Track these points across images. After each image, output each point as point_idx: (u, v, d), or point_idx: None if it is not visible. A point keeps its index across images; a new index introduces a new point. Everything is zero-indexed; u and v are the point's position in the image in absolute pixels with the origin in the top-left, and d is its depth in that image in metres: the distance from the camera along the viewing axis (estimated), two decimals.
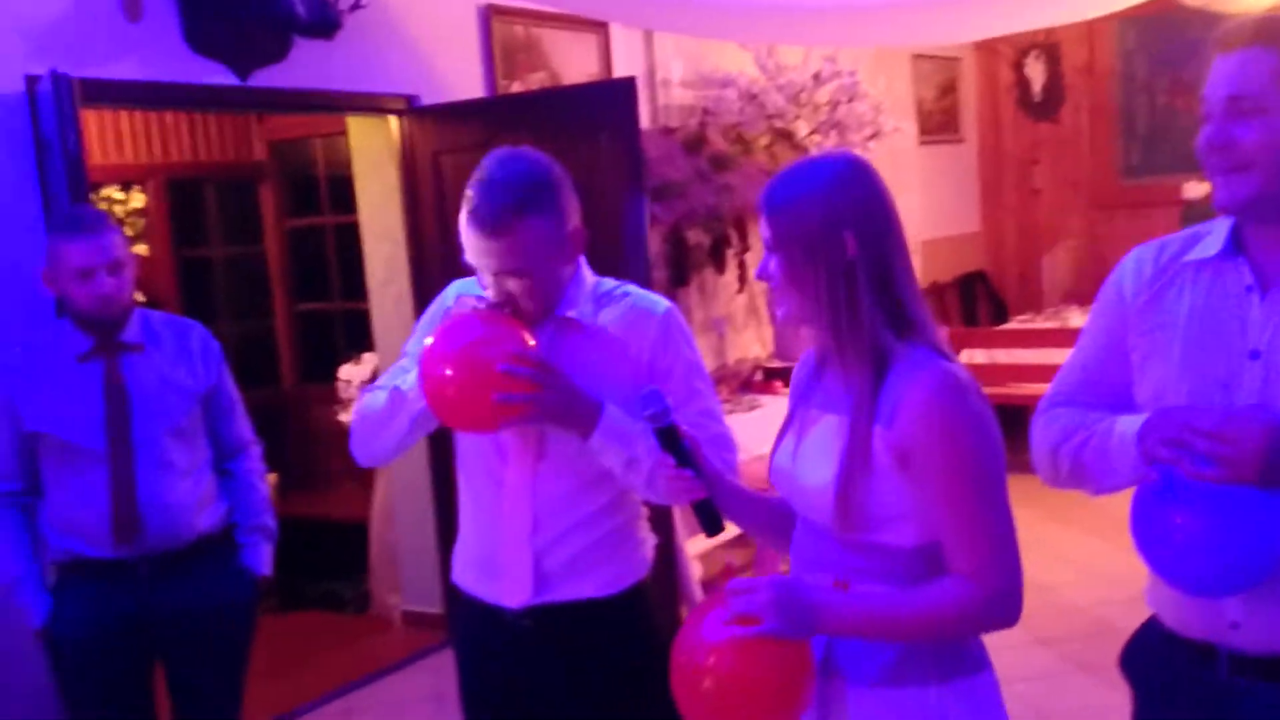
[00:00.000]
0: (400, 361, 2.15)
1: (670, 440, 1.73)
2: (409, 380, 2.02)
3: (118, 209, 6.01)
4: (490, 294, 1.97)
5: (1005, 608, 1.57)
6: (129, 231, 6.01)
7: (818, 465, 1.64)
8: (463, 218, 1.92)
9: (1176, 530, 1.51)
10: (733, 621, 1.58)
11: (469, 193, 1.91)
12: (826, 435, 1.65)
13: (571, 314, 2.01)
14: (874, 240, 1.61)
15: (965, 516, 1.56)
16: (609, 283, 2.09)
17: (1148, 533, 1.56)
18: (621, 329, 2.01)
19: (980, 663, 1.65)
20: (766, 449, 1.80)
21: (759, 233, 1.69)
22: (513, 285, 1.93)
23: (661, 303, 2.07)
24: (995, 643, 1.64)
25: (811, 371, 1.76)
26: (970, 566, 1.55)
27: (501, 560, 2.05)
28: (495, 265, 1.91)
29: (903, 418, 1.56)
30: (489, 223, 1.87)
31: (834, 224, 1.59)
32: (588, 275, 2.07)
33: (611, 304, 2.05)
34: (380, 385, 2.13)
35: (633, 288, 2.10)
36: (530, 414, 1.89)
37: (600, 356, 1.99)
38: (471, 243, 1.92)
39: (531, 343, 1.92)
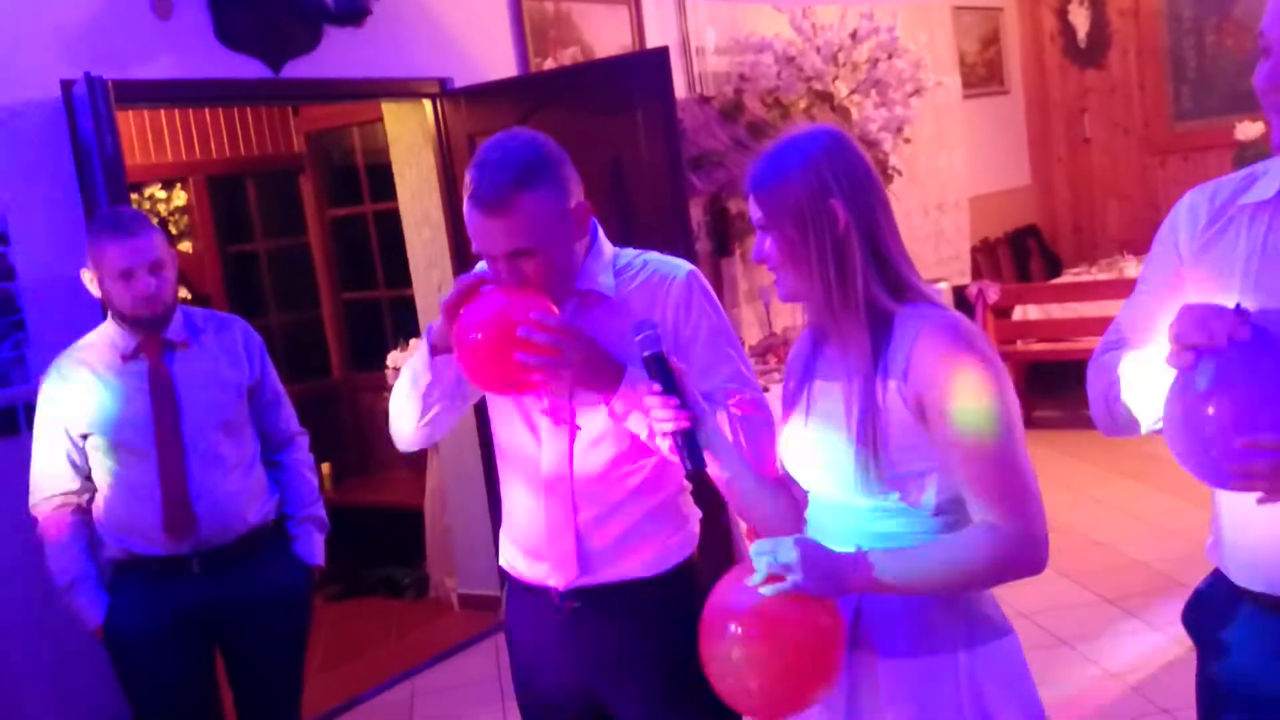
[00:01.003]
0: None
1: (658, 368, 1.73)
2: (415, 358, 2.03)
3: (161, 208, 6.07)
4: (506, 281, 1.93)
5: (1031, 552, 1.57)
6: (173, 230, 6.08)
7: (832, 432, 1.65)
8: (465, 206, 1.90)
9: (1209, 421, 1.45)
10: (759, 582, 1.57)
11: (467, 178, 1.89)
12: (834, 402, 1.66)
13: (592, 286, 1.99)
14: (862, 208, 1.63)
15: (984, 462, 1.56)
16: (629, 253, 2.06)
17: (1180, 421, 1.50)
18: (642, 297, 1.98)
19: (1003, 626, 1.67)
20: None
21: (750, 215, 1.69)
22: (527, 268, 1.89)
23: (682, 267, 2.03)
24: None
25: (810, 349, 1.77)
26: (993, 513, 1.56)
27: (546, 542, 2.04)
28: (503, 246, 1.87)
29: (915, 366, 1.58)
30: (490, 201, 1.85)
31: (822, 195, 1.62)
32: (606, 247, 2.04)
33: (631, 273, 2.02)
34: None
35: (653, 255, 2.07)
36: (552, 374, 1.87)
37: (623, 327, 1.97)
38: (476, 226, 1.89)
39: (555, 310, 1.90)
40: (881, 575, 1.57)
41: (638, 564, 2.02)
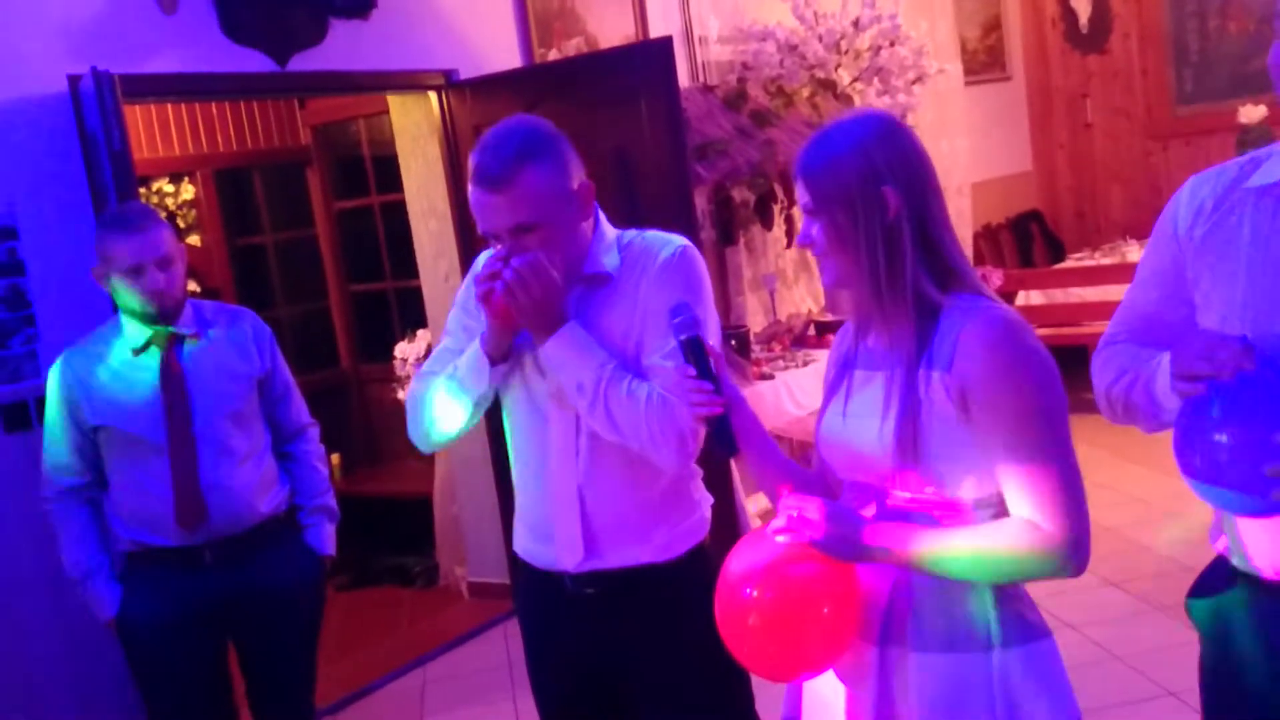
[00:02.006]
0: (444, 343, 2.15)
1: (694, 351, 1.73)
2: (461, 366, 2.02)
3: (168, 201, 6.09)
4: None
5: (1071, 556, 1.52)
6: (181, 223, 6.09)
7: (871, 421, 1.61)
8: (469, 189, 1.93)
9: (1222, 449, 1.46)
10: (780, 530, 1.58)
11: (470, 161, 1.92)
12: (875, 391, 1.63)
13: (598, 269, 2.00)
14: (914, 195, 1.59)
15: (1028, 458, 1.51)
16: (631, 233, 2.08)
17: (1192, 450, 1.50)
18: (631, 272, 2.00)
19: (1041, 629, 1.62)
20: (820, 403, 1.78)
21: (798, 199, 1.68)
22: (530, 244, 1.91)
23: (672, 242, 2.03)
24: (1064, 586, 1.61)
25: (852, 337, 1.74)
26: (1034, 511, 1.51)
27: (553, 520, 2.05)
28: (507, 221, 1.90)
29: (961, 359, 1.54)
30: (491, 175, 1.88)
31: (873, 181, 1.58)
32: (608, 230, 2.06)
33: (633, 253, 2.03)
34: (429, 371, 2.12)
35: (651, 232, 2.08)
36: (503, 308, 1.90)
37: (625, 305, 1.98)
38: (479, 204, 1.92)
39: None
40: (906, 549, 1.55)
41: (647, 549, 2.03)
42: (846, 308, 1.75)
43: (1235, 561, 1.67)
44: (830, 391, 1.75)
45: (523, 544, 2.15)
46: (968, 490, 1.57)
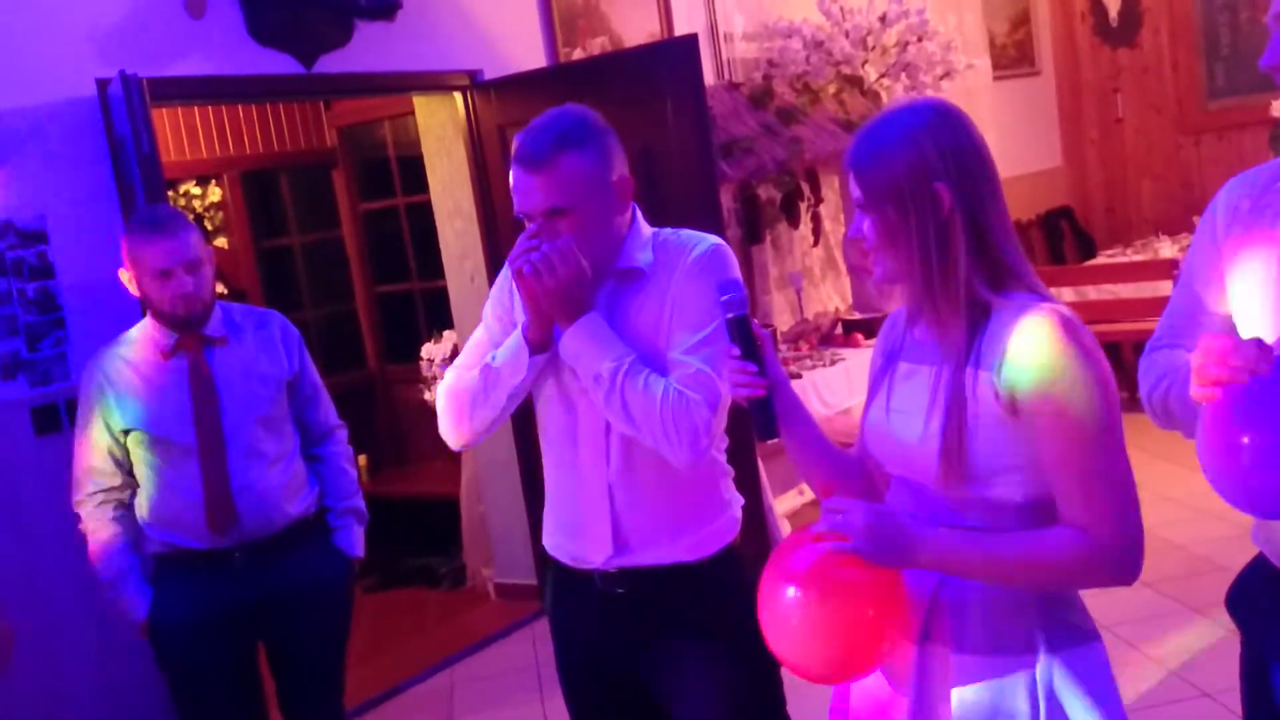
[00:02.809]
0: (476, 336, 2.14)
1: (740, 331, 1.71)
2: (500, 356, 2.02)
3: (196, 204, 6.13)
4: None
5: (1123, 564, 1.48)
6: (209, 226, 6.13)
7: (916, 419, 1.58)
8: (511, 171, 1.94)
9: (1243, 451, 1.44)
10: (822, 536, 1.54)
11: (514, 142, 1.94)
12: (920, 386, 1.60)
13: (632, 264, 2.00)
14: (968, 190, 1.53)
15: (1080, 463, 1.47)
16: (667, 231, 2.07)
17: (1214, 454, 1.48)
18: (665, 267, 1.99)
19: (1089, 634, 1.59)
20: (850, 402, 1.77)
21: (845, 191, 1.66)
22: (562, 228, 1.91)
23: (705, 240, 2.03)
24: None
25: (902, 328, 1.70)
26: (1085, 518, 1.47)
27: (582, 515, 2.04)
28: (540, 202, 1.91)
29: (1011, 358, 1.49)
30: (531, 156, 1.90)
31: (925, 177, 1.52)
32: (644, 227, 2.06)
33: (667, 250, 2.03)
34: (463, 365, 2.12)
35: (688, 231, 2.07)
36: (532, 288, 1.91)
37: (657, 300, 1.98)
38: (517, 183, 1.93)
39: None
40: (953, 557, 1.52)
41: (677, 548, 2.02)
42: (897, 301, 1.73)
43: (1274, 558, 1.65)
44: (875, 383, 1.72)
45: (552, 539, 2.14)
46: (1015, 492, 1.53)
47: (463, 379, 2.08)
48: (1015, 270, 1.56)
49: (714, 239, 2.04)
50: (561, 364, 2.01)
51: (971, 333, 1.54)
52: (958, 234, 1.53)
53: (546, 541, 2.16)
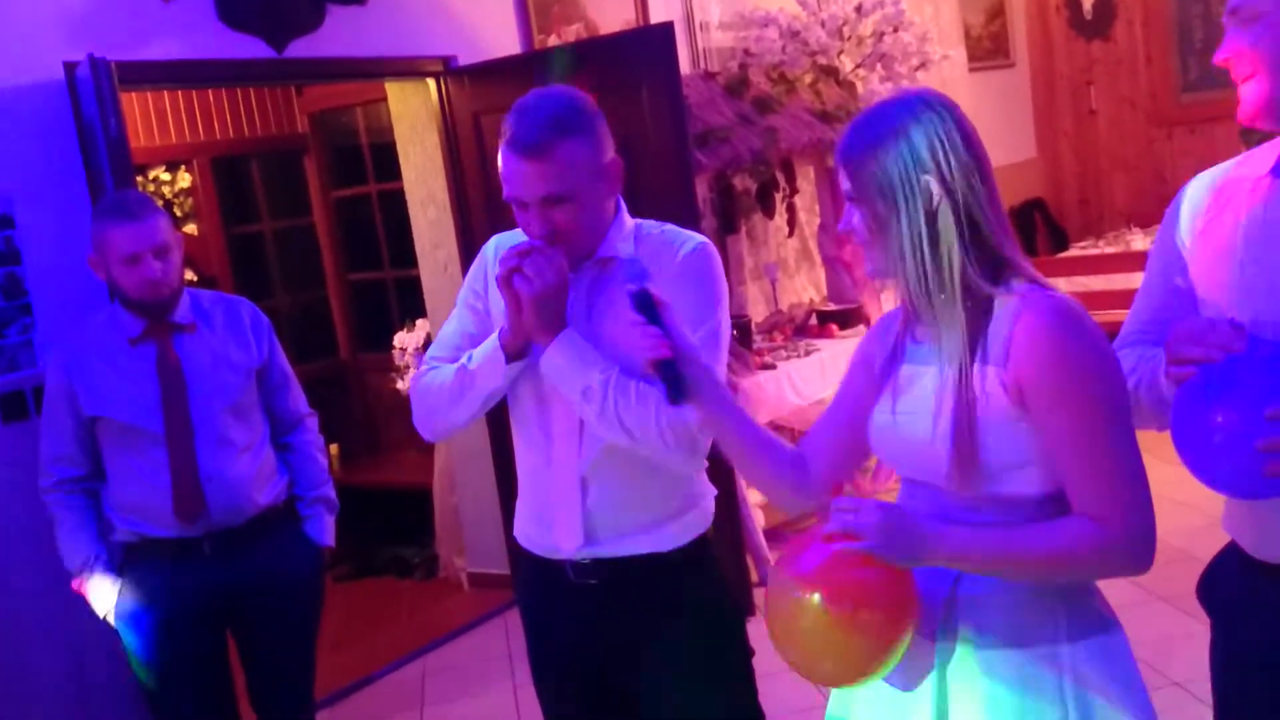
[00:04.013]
0: (450, 326, 2.12)
1: (641, 302, 1.73)
2: (475, 359, 1.99)
3: (165, 190, 6.06)
4: (534, 229, 1.92)
5: (1138, 552, 1.48)
6: (178, 212, 6.07)
7: (924, 420, 1.56)
8: (502, 153, 1.90)
9: (1217, 430, 1.44)
10: (834, 536, 1.51)
11: (505, 125, 1.90)
12: (926, 388, 1.57)
13: (613, 254, 1.98)
14: (958, 182, 1.52)
15: (1091, 452, 1.46)
16: (650, 224, 2.06)
17: (1188, 434, 1.49)
18: (649, 262, 1.96)
19: (1109, 622, 1.58)
20: (825, 393, 1.76)
21: (835, 184, 1.65)
22: (558, 216, 1.89)
23: (692, 239, 2.02)
24: None
25: (900, 328, 1.68)
26: (1098, 507, 1.46)
27: (554, 505, 2.03)
28: (538, 190, 1.88)
29: (1018, 353, 1.48)
30: (529, 144, 1.86)
31: (916, 170, 1.51)
32: (627, 218, 2.04)
33: (651, 245, 2.01)
34: (436, 357, 2.09)
35: (672, 227, 2.06)
36: (517, 297, 1.89)
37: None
38: (512, 171, 1.89)
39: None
40: (968, 554, 1.51)
41: (650, 538, 2.01)
42: (875, 293, 1.72)
43: (1245, 546, 1.66)
44: (878, 387, 1.68)
45: (523, 529, 2.13)
46: (1029, 487, 1.52)
47: (437, 377, 2.05)
48: (1012, 261, 1.55)
49: (700, 238, 2.03)
50: (538, 364, 1.98)
51: (973, 328, 1.52)
52: (949, 227, 1.52)
53: (518, 532, 2.15)
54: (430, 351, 2.13)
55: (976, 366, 1.51)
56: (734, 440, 1.77)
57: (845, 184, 1.59)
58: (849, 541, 1.49)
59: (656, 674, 2.05)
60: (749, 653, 2.12)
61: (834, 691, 1.74)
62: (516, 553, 2.19)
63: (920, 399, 1.58)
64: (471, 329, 2.08)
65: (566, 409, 1.99)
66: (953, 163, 1.52)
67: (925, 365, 1.59)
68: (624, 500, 2.00)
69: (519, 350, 1.96)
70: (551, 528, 2.04)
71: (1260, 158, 1.64)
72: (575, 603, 2.06)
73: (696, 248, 2.00)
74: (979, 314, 1.53)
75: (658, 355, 1.69)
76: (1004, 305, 1.52)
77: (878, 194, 1.54)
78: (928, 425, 1.55)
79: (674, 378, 1.70)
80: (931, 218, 1.52)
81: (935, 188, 1.51)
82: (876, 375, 1.70)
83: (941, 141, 1.52)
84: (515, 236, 2.05)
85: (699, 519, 2.08)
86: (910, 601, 1.53)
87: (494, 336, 1.97)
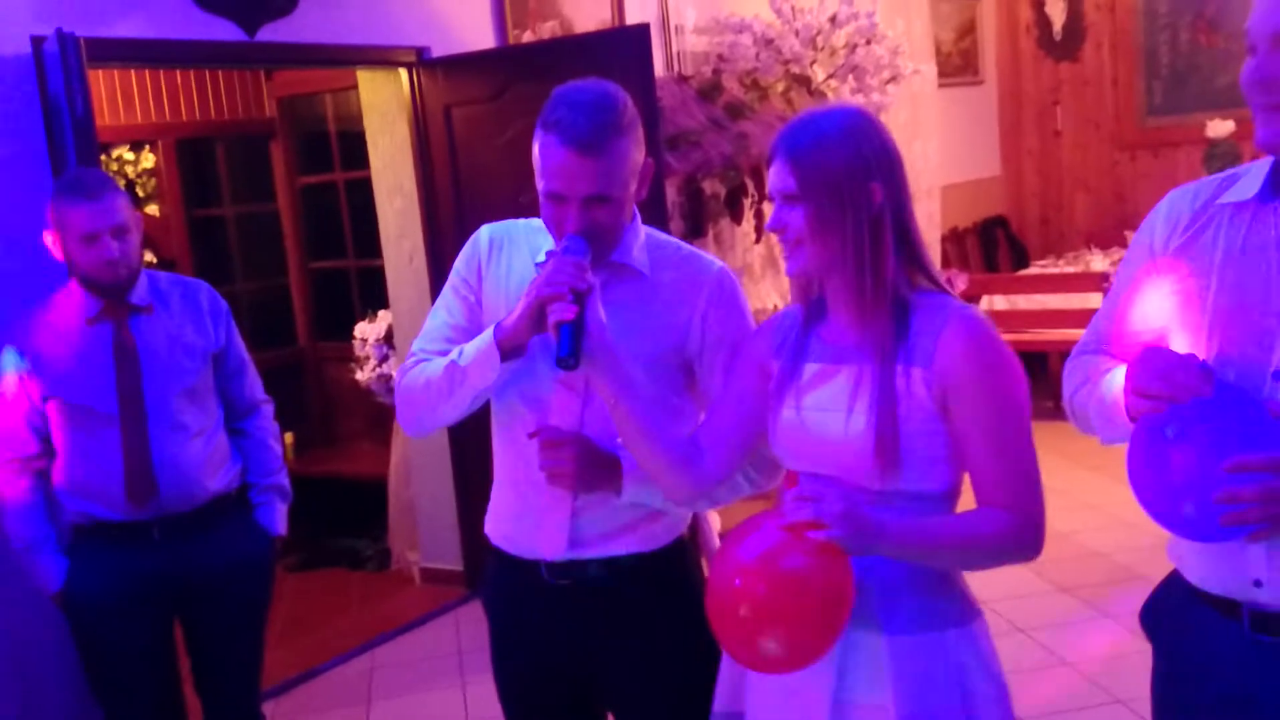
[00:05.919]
0: (436, 318, 2.04)
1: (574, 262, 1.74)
2: (466, 355, 1.91)
3: (128, 170, 5.99)
4: (570, 225, 1.85)
5: (1035, 541, 1.62)
6: (140, 192, 5.99)
7: (836, 415, 1.63)
8: (546, 144, 1.82)
9: (1175, 472, 1.45)
10: (793, 527, 1.53)
11: (555, 117, 1.82)
12: (839, 386, 1.64)
13: (627, 260, 1.94)
14: (894, 191, 1.63)
15: (1003, 450, 1.60)
16: (661, 236, 2.04)
17: (1145, 471, 1.50)
18: (680, 283, 1.95)
19: (977, 610, 1.71)
20: None
21: (773, 182, 1.67)
22: (601, 215, 1.84)
23: (715, 263, 2.02)
24: (1018, 590, 1.64)
25: (799, 326, 1.74)
26: (1007, 498, 1.59)
27: (540, 508, 1.98)
28: (588, 188, 1.82)
29: (943, 357, 1.59)
30: (588, 140, 1.79)
31: (863, 173, 1.61)
32: (640, 224, 2.01)
33: (667, 256, 1.99)
34: (423, 350, 2.01)
35: (686, 245, 2.05)
36: (539, 315, 1.81)
37: (657, 308, 1.94)
38: (561, 165, 1.81)
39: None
40: (905, 541, 1.58)
41: (628, 540, 1.99)
42: (803, 295, 1.74)
43: (1188, 576, 1.67)
44: (781, 386, 1.72)
45: (498, 528, 2.08)
46: (938, 483, 1.64)
47: (424, 371, 1.96)
48: (929, 271, 1.68)
49: (719, 262, 2.03)
50: (533, 363, 1.92)
51: (897, 331, 1.62)
52: (886, 231, 1.62)
53: (491, 530, 2.10)
54: (416, 344, 2.04)
55: (901, 367, 1.61)
56: (630, 422, 1.78)
57: (787, 181, 1.64)
58: (812, 531, 1.52)
59: (626, 675, 2.03)
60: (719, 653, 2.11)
61: (722, 678, 1.82)
62: (483, 549, 2.14)
63: (832, 396, 1.65)
64: (461, 321, 2.00)
65: (564, 416, 1.95)
66: (888, 171, 1.63)
67: (839, 364, 1.67)
68: (613, 507, 1.96)
69: (516, 349, 1.88)
70: (535, 531, 2.00)
71: (1245, 183, 1.62)
72: (546, 602, 2.02)
73: (725, 273, 2.00)
74: (898, 316, 1.63)
75: (561, 318, 1.68)
76: (922, 311, 1.63)
77: (825, 192, 1.61)
78: (841, 421, 1.63)
79: (569, 341, 1.68)
80: (875, 222, 1.61)
81: (878, 193, 1.61)
82: (774, 372, 1.75)
83: (881, 151, 1.63)
84: (509, 228, 2.02)
85: (679, 520, 2.06)
86: (848, 590, 1.56)
87: (488, 333, 1.88)
